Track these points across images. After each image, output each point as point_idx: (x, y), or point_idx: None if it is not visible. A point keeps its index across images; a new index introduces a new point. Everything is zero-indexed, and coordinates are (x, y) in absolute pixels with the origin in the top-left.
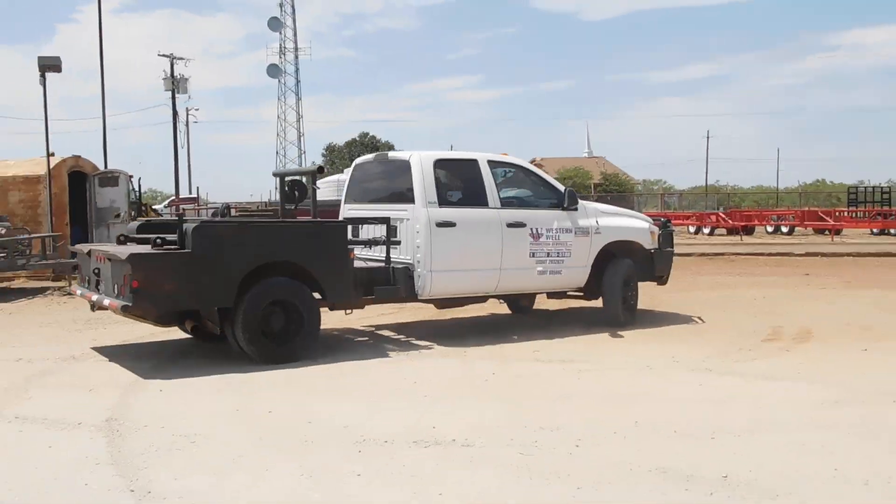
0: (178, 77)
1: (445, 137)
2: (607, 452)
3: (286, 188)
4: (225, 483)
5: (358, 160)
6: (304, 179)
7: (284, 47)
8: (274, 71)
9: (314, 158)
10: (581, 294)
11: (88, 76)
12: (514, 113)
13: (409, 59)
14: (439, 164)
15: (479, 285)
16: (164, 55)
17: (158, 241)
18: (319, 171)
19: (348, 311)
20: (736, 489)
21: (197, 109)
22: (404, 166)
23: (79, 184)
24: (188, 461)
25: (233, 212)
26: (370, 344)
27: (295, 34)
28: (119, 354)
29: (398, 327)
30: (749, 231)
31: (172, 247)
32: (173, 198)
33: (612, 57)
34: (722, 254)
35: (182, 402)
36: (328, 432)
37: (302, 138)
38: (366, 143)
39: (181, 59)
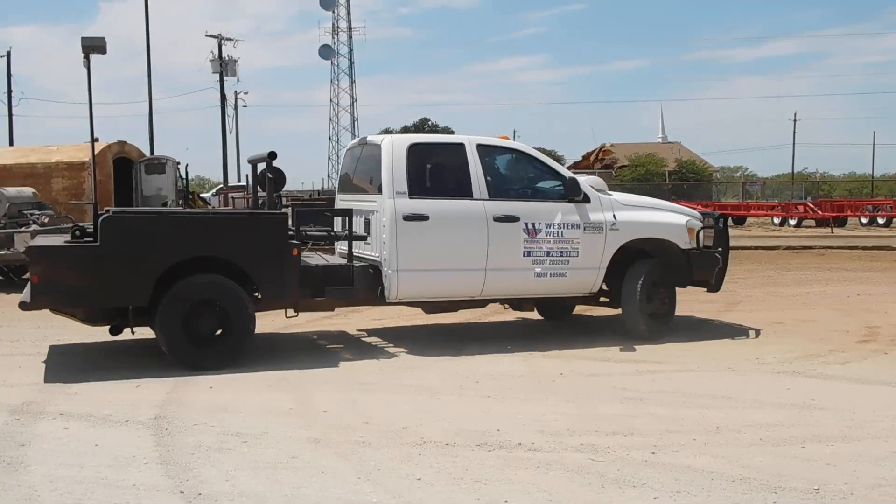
0: (227, 59)
1: (509, 122)
2: (686, 460)
3: (259, 176)
4: (278, 485)
5: (348, 145)
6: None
7: (337, 27)
8: (326, 52)
9: None
10: (607, 301)
11: (134, 56)
12: (583, 95)
13: (471, 38)
14: (415, 149)
15: (459, 288)
16: (211, 35)
17: (77, 232)
18: (271, 157)
19: (292, 313)
20: (829, 503)
21: (246, 93)
22: (377, 152)
23: (124, 170)
24: (240, 461)
25: (283, 200)
26: (422, 344)
27: (349, 12)
28: None
29: (449, 327)
30: (841, 223)
31: (88, 239)
32: (221, 186)
33: (689, 34)
34: (811, 247)
35: (233, 399)
36: (386, 433)
37: (356, 123)
38: (424, 130)
39: (229, 39)
